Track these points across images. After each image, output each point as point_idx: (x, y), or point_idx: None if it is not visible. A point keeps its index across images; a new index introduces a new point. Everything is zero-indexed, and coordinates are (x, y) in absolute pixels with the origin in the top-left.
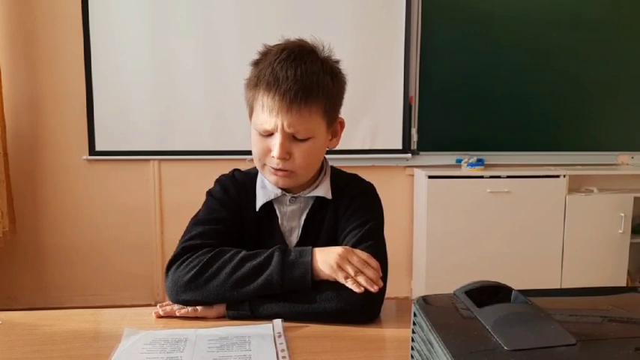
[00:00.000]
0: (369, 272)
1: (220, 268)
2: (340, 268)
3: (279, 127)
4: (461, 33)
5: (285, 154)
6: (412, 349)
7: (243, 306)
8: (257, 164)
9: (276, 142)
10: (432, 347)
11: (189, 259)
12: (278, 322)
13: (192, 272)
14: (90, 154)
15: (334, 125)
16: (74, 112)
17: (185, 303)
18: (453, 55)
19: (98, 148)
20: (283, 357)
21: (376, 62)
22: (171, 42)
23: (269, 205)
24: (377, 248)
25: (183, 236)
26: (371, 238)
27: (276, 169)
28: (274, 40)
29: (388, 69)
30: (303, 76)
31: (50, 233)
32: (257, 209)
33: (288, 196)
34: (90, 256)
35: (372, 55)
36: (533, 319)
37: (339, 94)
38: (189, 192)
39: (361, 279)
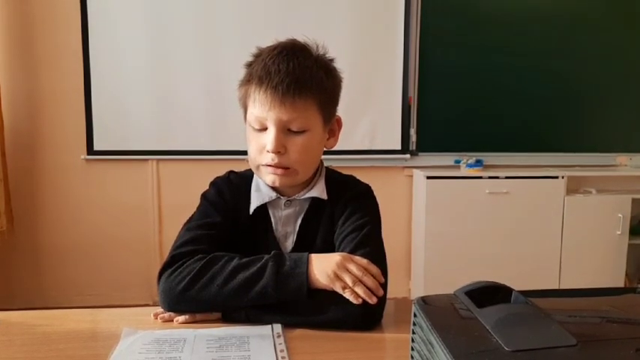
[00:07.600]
0: (369, 281)
1: (212, 279)
2: (338, 277)
3: (273, 120)
4: (460, 33)
5: (280, 147)
6: (412, 349)
7: (239, 314)
8: (252, 166)
9: (270, 135)
10: (433, 348)
11: (180, 269)
12: None
13: (184, 283)
14: (88, 154)
15: (331, 123)
16: (72, 112)
17: (178, 312)
18: (452, 56)
19: (96, 147)
20: (282, 357)
21: (375, 62)
22: (170, 42)
23: (263, 210)
24: (376, 254)
25: (175, 242)
26: (369, 244)
27: (272, 166)
28: (273, 40)
29: (387, 69)
30: (295, 70)
31: (48, 233)
32: (250, 212)
33: (283, 199)
34: (88, 256)
35: (371, 56)
36: (533, 320)
37: (334, 89)
38: (188, 192)
39: (359, 289)
